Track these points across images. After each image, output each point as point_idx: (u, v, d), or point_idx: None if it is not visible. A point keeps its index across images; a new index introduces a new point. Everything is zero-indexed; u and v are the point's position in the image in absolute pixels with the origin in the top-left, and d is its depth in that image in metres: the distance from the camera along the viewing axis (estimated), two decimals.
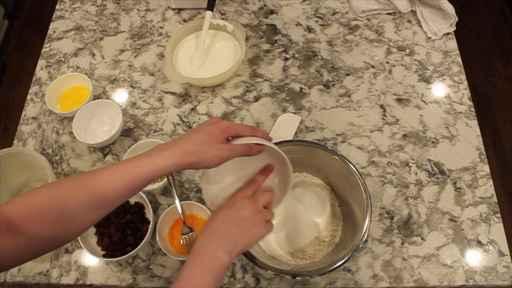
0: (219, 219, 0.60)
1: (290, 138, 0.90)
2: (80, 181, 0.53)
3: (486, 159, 0.88)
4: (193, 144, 0.56)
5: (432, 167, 0.88)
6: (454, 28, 1.03)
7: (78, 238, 0.77)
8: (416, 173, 0.87)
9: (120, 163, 0.54)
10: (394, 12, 1.08)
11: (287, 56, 1.03)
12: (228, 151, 0.58)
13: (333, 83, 0.99)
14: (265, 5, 1.11)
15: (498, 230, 0.81)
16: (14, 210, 0.49)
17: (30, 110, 1.00)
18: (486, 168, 0.87)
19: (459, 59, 1.01)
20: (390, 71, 0.99)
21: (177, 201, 0.81)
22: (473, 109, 0.94)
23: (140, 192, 0.81)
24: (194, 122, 0.95)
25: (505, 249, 0.79)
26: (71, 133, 0.95)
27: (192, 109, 0.97)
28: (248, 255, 0.68)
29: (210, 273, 0.55)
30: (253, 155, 0.61)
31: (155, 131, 0.95)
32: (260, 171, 0.69)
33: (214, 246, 0.57)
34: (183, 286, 0.54)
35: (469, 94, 0.96)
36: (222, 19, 1.06)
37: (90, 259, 0.82)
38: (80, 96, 0.98)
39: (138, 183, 0.54)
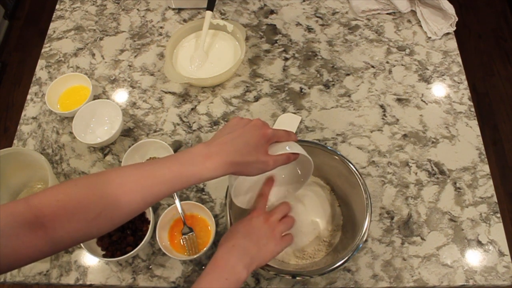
0: (238, 234, 0.62)
1: None
2: (121, 182, 0.51)
3: (486, 159, 0.88)
4: (239, 155, 0.54)
5: (432, 167, 0.88)
6: (454, 28, 1.03)
7: None
8: (416, 173, 0.87)
9: (161, 166, 0.53)
10: (394, 12, 1.08)
11: (287, 56, 1.03)
12: (272, 165, 0.58)
13: (333, 83, 0.99)
14: (265, 5, 1.11)
15: (498, 230, 0.81)
16: (48, 206, 0.48)
17: (30, 110, 1.00)
18: (486, 168, 0.87)
19: (459, 59, 1.01)
20: (390, 71, 0.99)
21: (177, 201, 0.81)
22: (473, 109, 0.94)
23: None
24: (194, 122, 0.95)
25: (505, 249, 0.79)
26: (71, 133, 0.95)
27: (192, 109, 0.97)
28: None
29: (229, 286, 0.57)
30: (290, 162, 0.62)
31: (155, 131, 0.95)
32: (264, 183, 0.71)
33: (233, 260, 0.58)
34: None
35: (469, 94, 0.96)
36: (222, 19, 1.06)
37: (90, 259, 0.82)
38: (80, 96, 0.98)
39: (179, 189, 0.53)
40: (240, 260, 0.59)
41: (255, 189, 0.71)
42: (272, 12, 1.10)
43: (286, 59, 1.03)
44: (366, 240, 0.75)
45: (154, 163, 0.54)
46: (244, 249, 0.60)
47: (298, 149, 0.62)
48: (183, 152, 0.55)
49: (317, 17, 1.09)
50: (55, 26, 1.13)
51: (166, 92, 1.00)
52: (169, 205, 0.85)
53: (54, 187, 0.51)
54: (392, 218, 0.83)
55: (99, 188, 0.50)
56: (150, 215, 0.81)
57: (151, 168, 0.53)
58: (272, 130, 0.59)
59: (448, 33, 1.04)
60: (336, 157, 0.75)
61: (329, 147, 0.76)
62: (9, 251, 0.45)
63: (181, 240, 0.81)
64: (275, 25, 1.08)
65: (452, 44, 1.03)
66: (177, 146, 0.93)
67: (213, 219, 0.79)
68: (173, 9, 1.13)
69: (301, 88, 0.98)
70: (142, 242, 0.77)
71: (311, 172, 0.68)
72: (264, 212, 0.66)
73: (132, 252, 0.76)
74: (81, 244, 0.77)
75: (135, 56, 1.06)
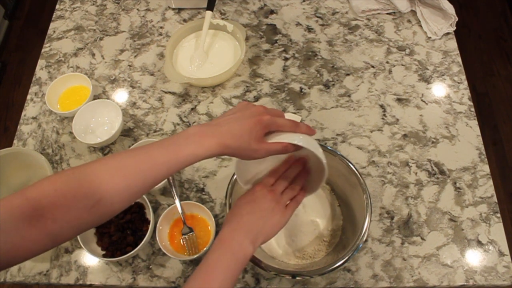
0: (242, 210, 0.61)
1: None
2: (118, 166, 0.51)
3: (486, 159, 0.88)
4: (232, 137, 0.55)
5: (432, 167, 0.88)
6: (454, 28, 1.03)
7: (78, 238, 0.77)
8: (416, 173, 0.87)
9: (157, 148, 0.53)
10: (394, 12, 1.08)
11: (287, 56, 1.03)
12: (263, 153, 0.58)
13: (333, 83, 0.99)
14: (265, 5, 1.11)
15: (498, 230, 0.81)
16: (46, 197, 0.47)
17: (30, 110, 1.00)
18: (486, 168, 0.87)
19: (459, 59, 1.01)
20: (390, 71, 0.99)
21: (177, 201, 0.81)
22: (473, 109, 0.94)
23: None
24: (194, 122, 0.95)
25: (505, 249, 0.79)
26: (71, 133, 0.95)
27: (192, 109, 0.97)
28: None
29: (236, 261, 0.56)
30: (289, 152, 0.60)
31: (155, 131, 0.95)
32: (285, 162, 0.69)
33: (239, 236, 0.58)
34: (210, 271, 0.54)
35: (469, 94, 0.96)
36: (222, 19, 1.06)
37: (90, 259, 0.82)
38: (80, 96, 0.98)
39: (176, 170, 0.53)
40: (246, 236, 0.58)
41: (262, 173, 0.70)
42: (272, 12, 1.10)
43: (286, 59, 1.03)
44: (366, 240, 0.76)
45: (150, 147, 0.54)
46: (250, 225, 0.60)
47: (300, 142, 0.58)
48: (178, 133, 0.55)
49: (317, 17, 1.09)
50: (55, 26, 1.13)
51: (166, 92, 1.00)
52: (169, 205, 0.85)
53: (51, 177, 0.50)
54: (392, 218, 0.83)
55: (97, 175, 0.50)
56: (150, 215, 0.81)
57: (148, 151, 0.53)
58: (269, 118, 0.58)
59: (448, 33, 1.04)
60: (336, 157, 0.75)
61: (329, 147, 0.76)
62: (9, 246, 0.45)
63: (181, 240, 0.81)
64: (275, 25, 1.08)
65: (452, 44, 1.03)
66: None
67: (213, 219, 0.79)
68: (173, 9, 1.13)
69: (301, 88, 0.98)
70: (142, 242, 0.77)
71: (323, 180, 0.65)
72: (267, 186, 0.64)
73: (132, 252, 0.76)
74: (81, 244, 0.77)
75: (135, 56, 1.06)
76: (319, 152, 0.60)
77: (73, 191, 0.49)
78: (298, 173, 0.69)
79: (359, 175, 0.73)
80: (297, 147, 0.60)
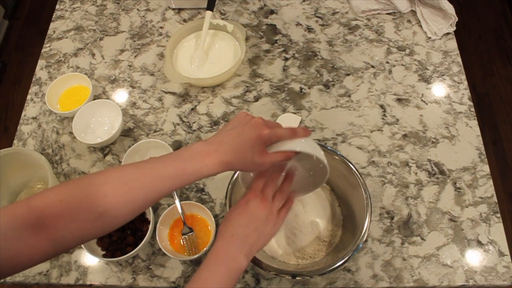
0: (236, 222, 0.61)
1: None
2: (122, 180, 0.51)
3: (486, 159, 0.88)
4: (235, 154, 0.55)
5: (432, 167, 0.88)
6: (454, 28, 1.03)
7: None
8: (416, 173, 0.87)
9: (162, 163, 0.53)
10: (394, 12, 1.08)
11: (287, 56, 1.03)
12: (267, 165, 0.58)
13: (333, 83, 0.99)
14: (265, 5, 1.11)
15: (498, 230, 0.81)
16: (50, 207, 0.48)
17: (30, 110, 1.00)
18: (486, 168, 0.87)
19: (459, 59, 1.01)
20: (390, 71, 0.99)
21: (177, 201, 0.81)
22: (473, 109, 0.94)
23: None
24: (194, 122, 0.95)
25: (505, 249, 0.79)
26: (71, 133, 0.95)
27: (192, 109, 0.97)
28: None
29: (230, 276, 0.56)
30: (291, 158, 0.61)
31: (155, 131, 0.95)
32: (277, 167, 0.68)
33: (233, 250, 0.58)
34: (203, 286, 0.54)
35: (469, 94, 0.96)
36: (222, 19, 1.06)
37: (90, 259, 0.82)
38: (80, 96, 0.98)
39: (180, 186, 0.54)
40: (240, 250, 0.58)
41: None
42: (272, 12, 1.10)
43: (286, 59, 1.03)
44: (366, 240, 0.76)
45: (155, 161, 0.54)
46: (244, 238, 0.59)
47: (303, 147, 0.59)
48: (183, 149, 0.56)
49: (317, 17, 1.09)
50: (55, 26, 1.13)
51: (166, 92, 1.00)
52: (169, 205, 0.85)
53: (55, 187, 0.50)
54: (392, 218, 0.83)
55: (101, 187, 0.50)
56: (150, 215, 0.81)
57: (153, 165, 0.53)
58: (269, 131, 0.58)
59: (448, 33, 1.04)
60: (336, 157, 0.75)
61: (329, 147, 0.76)
62: (12, 254, 0.45)
63: (181, 240, 0.81)
64: (275, 25, 1.08)
65: (452, 44, 1.03)
66: (177, 146, 0.93)
67: (213, 219, 0.79)
68: (173, 9, 1.13)
69: (301, 88, 0.98)
70: (142, 242, 0.77)
71: (325, 178, 0.65)
72: (259, 192, 0.63)
73: (132, 252, 0.76)
74: (81, 244, 0.77)
75: (135, 56, 1.06)
76: (320, 154, 0.60)
77: (77, 202, 0.49)
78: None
79: (359, 175, 0.73)
80: (298, 152, 0.60)
